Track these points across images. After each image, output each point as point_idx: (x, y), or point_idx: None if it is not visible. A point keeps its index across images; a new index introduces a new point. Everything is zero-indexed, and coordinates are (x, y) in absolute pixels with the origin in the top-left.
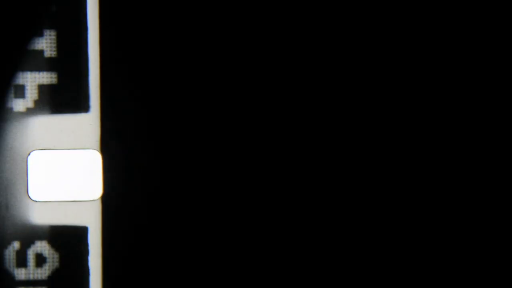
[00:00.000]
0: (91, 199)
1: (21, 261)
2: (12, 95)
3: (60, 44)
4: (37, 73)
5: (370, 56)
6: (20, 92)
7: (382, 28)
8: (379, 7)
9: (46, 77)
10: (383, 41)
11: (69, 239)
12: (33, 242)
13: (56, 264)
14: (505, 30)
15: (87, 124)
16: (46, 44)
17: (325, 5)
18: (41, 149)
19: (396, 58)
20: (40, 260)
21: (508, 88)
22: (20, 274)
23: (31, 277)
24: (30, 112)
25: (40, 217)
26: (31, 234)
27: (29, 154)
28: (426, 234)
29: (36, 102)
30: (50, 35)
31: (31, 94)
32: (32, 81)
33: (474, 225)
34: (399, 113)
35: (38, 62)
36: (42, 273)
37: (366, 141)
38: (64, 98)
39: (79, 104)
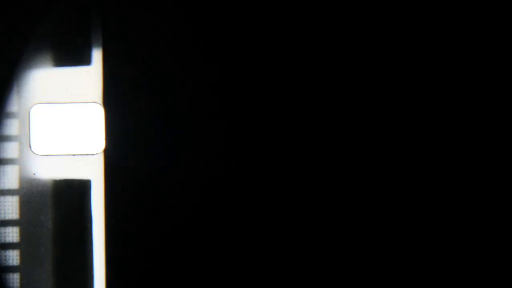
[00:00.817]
0: (94, 152)
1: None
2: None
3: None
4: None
5: (370, 56)
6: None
7: (382, 28)
8: (379, 7)
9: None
10: (383, 41)
11: (72, 192)
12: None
13: (60, 217)
14: (505, 30)
15: (90, 77)
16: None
17: (325, 5)
18: (43, 103)
19: (396, 58)
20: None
21: (508, 88)
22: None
23: (34, 231)
24: (32, 65)
25: (43, 171)
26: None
27: (31, 108)
28: (426, 234)
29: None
30: None
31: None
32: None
33: (474, 225)
34: (399, 113)
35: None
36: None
37: (366, 141)
38: (66, 50)
39: (81, 57)
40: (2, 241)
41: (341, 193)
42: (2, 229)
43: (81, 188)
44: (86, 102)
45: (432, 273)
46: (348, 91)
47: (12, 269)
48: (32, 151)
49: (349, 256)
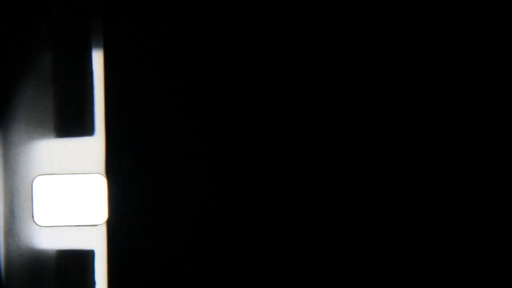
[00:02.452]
0: (97, 223)
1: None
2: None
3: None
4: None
5: (370, 56)
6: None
7: (382, 28)
8: (379, 7)
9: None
10: (383, 41)
11: (75, 263)
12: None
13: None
14: (505, 30)
15: (92, 148)
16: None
17: (325, 5)
18: (46, 174)
19: (396, 58)
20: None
21: (508, 88)
22: None
23: None
24: (34, 136)
25: (46, 242)
26: (37, 259)
27: (34, 179)
28: (426, 234)
29: (40, 126)
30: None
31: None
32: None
33: (474, 225)
34: (399, 113)
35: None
36: None
37: (366, 141)
38: (68, 121)
39: (83, 128)
40: None
41: (340, 193)
42: None
43: (84, 258)
44: (89, 173)
45: (432, 273)
46: (347, 89)
47: None
48: (35, 223)
49: (348, 256)
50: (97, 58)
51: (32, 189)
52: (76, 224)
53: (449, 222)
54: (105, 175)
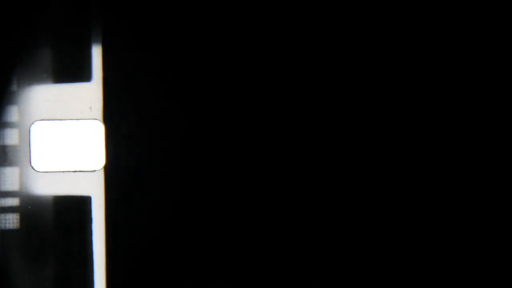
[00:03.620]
0: (94, 169)
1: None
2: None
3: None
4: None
5: (371, 56)
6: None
7: (382, 28)
8: (379, 7)
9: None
10: (383, 41)
11: (73, 209)
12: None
13: (61, 233)
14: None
15: (89, 94)
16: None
17: (325, 5)
18: (43, 120)
19: (396, 58)
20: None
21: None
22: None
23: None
24: (32, 82)
25: (43, 187)
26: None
27: (31, 125)
28: (426, 234)
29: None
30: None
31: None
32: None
33: (474, 225)
34: (399, 113)
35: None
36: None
37: (366, 141)
38: (66, 67)
39: (81, 74)
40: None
41: (340, 192)
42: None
43: (81, 204)
44: (87, 119)
45: (432, 273)
46: (346, 89)
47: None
48: (33, 168)
49: (348, 256)
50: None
51: (29, 134)
52: (73, 170)
53: (449, 222)
54: (102, 121)
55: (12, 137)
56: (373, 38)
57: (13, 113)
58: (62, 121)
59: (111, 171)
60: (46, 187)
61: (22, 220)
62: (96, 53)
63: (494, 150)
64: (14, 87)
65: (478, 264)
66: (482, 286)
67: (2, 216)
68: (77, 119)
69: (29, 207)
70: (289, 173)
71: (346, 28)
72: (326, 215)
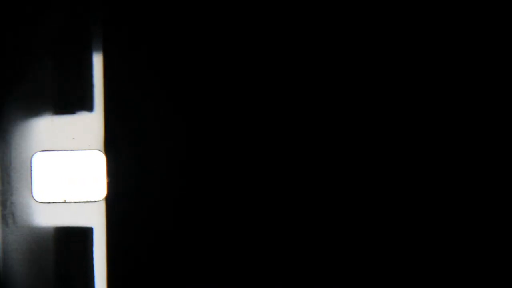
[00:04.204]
0: (96, 200)
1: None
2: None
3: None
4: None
5: (370, 56)
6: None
7: (382, 28)
8: (379, 7)
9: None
10: (383, 41)
11: (74, 240)
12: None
13: (62, 264)
14: (505, 30)
15: (91, 124)
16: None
17: (325, 5)
18: (45, 150)
19: (396, 58)
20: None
21: (508, 88)
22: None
23: (35, 280)
24: (33, 112)
25: (45, 218)
26: (36, 236)
27: (33, 156)
28: (426, 234)
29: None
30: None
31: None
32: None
33: (474, 225)
34: (399, 114)
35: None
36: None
37: (366, 141)
38: (67, 97)
39: (83, 104)
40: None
41: (340, 192)
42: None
43: (83, 235)
44: (88, 149)
45: (432, 273)
46: (346, 89)
47: None
48: (34, 199)
49: (348, 256)
50: (97, 33)
51: (31, 165)
52: (75, 201)
53: (449, 222)
54: (104, 152)
55: (13, 168)
56: (372, 39)
57: (14, 144)
58: (63, 151)
59: (112, 201)
60: (47, 218)
61: (23, 251)
62: (98, 83)
63: (494, 150)
64: (14, 117)
65: (478, 264)
66: (482, 286)
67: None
68: (78, 150)
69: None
70: (289, 173)
71: (345, 30)
72: (326, 215)
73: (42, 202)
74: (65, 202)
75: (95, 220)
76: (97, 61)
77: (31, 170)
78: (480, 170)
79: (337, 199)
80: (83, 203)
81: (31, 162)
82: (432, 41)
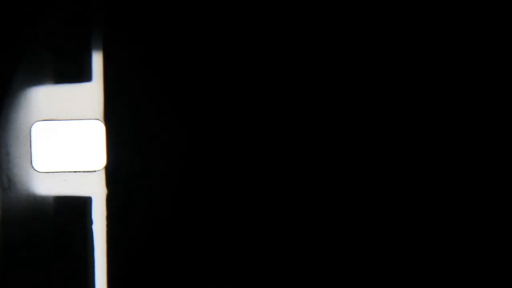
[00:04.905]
0: (95, 169)
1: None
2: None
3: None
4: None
5: (370, 56)
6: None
7: (382, 28)
8: (379, 7)
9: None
10: (383, 41)
11: (73, 209)
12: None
13: (61, 233)
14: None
15: (90, 94)
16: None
17: (325, 5)
18: (44, 120)
19: (396, 58)
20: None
21: (508, 88)
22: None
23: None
24: (32, 82)
25: (44, 188)
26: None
27: (32, 125)
28: (426, 234)
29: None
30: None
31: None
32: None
33: (474, 225)
34: (399, 113)
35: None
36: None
37: (366, 141)
38: (66, 67)
39: (81, 74)
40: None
41: (340, 192)
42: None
43: (82, 205)
44: (87, 119)
45: (432, 273)
46: (346, 90)
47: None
48: (33, 168)
49: (350, 255)
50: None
51: (30, 135)
52: (74, 170)
53: (449, 222)
54: (103, 121)
55: (13, 138)
56: (371, 40)
57: (13, 114)
58: (62, 121)
59: (111, 171)
60: (47, 187)
61: (22, 220)
62: (97, 53)
63: (494, 150)
64: (14, 88)
65: (478, 264)
66: (482, 286)
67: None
68: (78, 119)
69: None
70: (288, 172)
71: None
72: (325, 215)
73: (41, 172)
74: (64, 171)
75: (94, 189)
76: (96, 28)
77: (30, 139)
78: (480, 170)
79: (336, 198)
80: (82, 173)
81: (30, 131)
82: (432, 41)
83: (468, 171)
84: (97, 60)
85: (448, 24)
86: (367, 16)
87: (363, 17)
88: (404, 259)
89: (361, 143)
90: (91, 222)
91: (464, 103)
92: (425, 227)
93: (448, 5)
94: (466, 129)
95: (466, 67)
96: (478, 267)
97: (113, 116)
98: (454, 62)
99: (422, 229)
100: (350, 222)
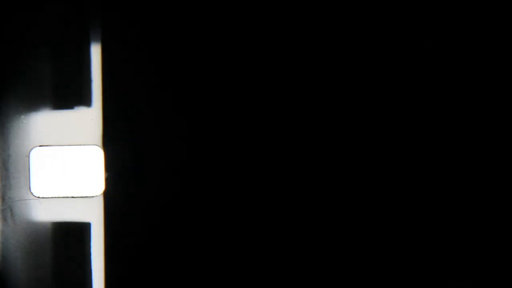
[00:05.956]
0: (94, 195)
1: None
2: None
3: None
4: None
5: (370, 56)
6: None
7: (382, 28)
8: (379, 7)
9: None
10: (383, 41)
11: (72, 235)
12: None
13: (60, 259)
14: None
15: (89, 119)
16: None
17: (325, 5)
18: (42, 145)
19: (396, 58)
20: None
21: (508, 88)
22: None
23: (33, 274)
24: (31, 107)
25: (43, 213)
26: (34, 231)
27: (30, 151)
28: (426, 234)
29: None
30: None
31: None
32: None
33: (474, 225)
34: (399, 113)
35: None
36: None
37: (366, 141)
38: (65, 92)
39: (81, 99)
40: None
41: (339, 192)
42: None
43: (81, 231)
44: (86, 145)
45: (432, 273)
46: (346, 90)
47: None
48: (32, 194)
49: (349, 255)
50: (95, 31)
51: (29, 160)
52: (73, 196)
53: (449, 222)
54: (101, 147)
55: (11, 163)
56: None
57: (12, 139)
58: (61, 146)
59: (110, 197)
60: (45, 213)
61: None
62: (96, 78)
63: (493, 150)
64: (13, 112)
65: (478, 264)
66: (482, 286)
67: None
68: (76, 145)
69: None
70: (288, 173)
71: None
72: (324, 215)
73: (40, 197)
74: (64, 197)
75: (93, 215)
76: (96, 55)
77: (29, 165)
78: (480, 170)
79: (335, 199)
80: (81, 198)
81: (29, 157)
82: (432, 41)
83: (468, 171)
84: (96, 85)
85: (448, 24)
86: (367, 16)
87: (363, 17)
88: (404, 259)
89: (361, 143)
90: (90, 248)
91: (464, 103)
92: (425, 227)
93: (448, 5)
94: (466, 129)
95: (466, 67)
96: (478, 267)
97: (112, 141)
98: (454, 62)
99: (422, 229)
100: (350, 222)
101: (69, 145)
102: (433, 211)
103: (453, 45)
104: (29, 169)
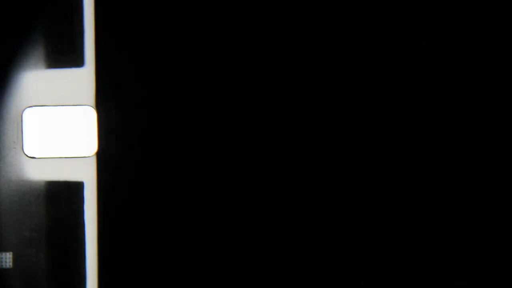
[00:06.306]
0: (87, 155)
1: None
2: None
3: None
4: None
5: (370, 56)
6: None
7: (382, 28)
8: (379, 7)
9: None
10: (383, 41)
11: (65, 194)
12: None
13: (53, 218)
14: (505, 30)
15: (82, 79)
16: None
17: (325, 5)
18: (35, 105)
19: (396, 58)
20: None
21: (508, 88)
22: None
23: (27, 233)
24: (24, 67)
25: (36, 173)
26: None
27: (23, 111)
28: (426, 234)
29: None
30: None
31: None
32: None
33: (474, 225)
34: (399, 113)
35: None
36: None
37: (366, 141)
38: (58, 52)
39: (74, 59)
40: None
41: (340, 192)
42: None
43: (73, 190)
44: (79, 105)
45: (432, 273)
46: (347, 90)
47: (5, 271)
48: (25, 154)
49: (349, 255)
50: None
51: (22, 120)
52: (66, 156)
53: (449, 222)
54: (94, 107)
55: (4, 124)
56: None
57: (5, 99)
58: (54, 107)
59: (103, 157)
60: (38, 172)
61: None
62: (90, 38)
63: (493, 150)
64: (6, 73)
65: (478, 264)
66: (482, 286)
67: None
68: (69, 105)
69: None
70: (288, 172)
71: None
72: (324, 215)
73: (33, 157)
74: (57, 158)
75: (86, 174)
76: (88, 14)
77: (21, 125)
78: (479, 170)
79: (335, 199)
80: (74, 159)
81: (21, 117)
82: (432, 41)
83: (468, 171)
84: (89, 44)
85: (448, 24)
86: (367, 16)
87: (363, 17)
88: (404, 259)
89: (361, 143)
90: (83, 207)
91: (464, 103)
92: (425, 227)
93: (448, 5)
94: (466, 129)
95: (466, 67)
96: (478, 267)
97: (104, 102)
98: (454, 62)
99: (422, 229)
100: (350, 222)
101: (62, 105)
102: (433, 211)
103: (453, 45)
104: (22, 129)
